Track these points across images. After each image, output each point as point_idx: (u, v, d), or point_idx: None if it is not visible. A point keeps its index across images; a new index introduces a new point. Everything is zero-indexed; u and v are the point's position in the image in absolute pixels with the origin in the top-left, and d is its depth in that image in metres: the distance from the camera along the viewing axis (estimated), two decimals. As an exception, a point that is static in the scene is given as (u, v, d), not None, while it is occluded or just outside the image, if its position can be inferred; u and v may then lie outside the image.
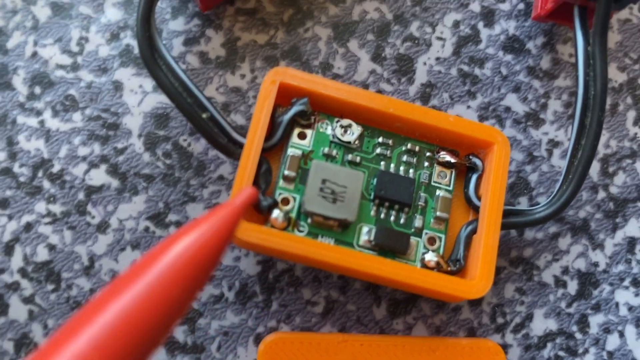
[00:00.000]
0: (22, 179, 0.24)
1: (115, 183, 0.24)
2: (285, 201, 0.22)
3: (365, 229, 0.23)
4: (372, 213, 0.23)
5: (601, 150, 0.26)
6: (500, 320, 0.25)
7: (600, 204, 0.26)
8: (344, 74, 0.25)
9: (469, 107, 0.26)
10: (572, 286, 0.25)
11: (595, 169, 0.26)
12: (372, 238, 0.22)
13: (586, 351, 0.25)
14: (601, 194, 0.26)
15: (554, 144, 0.26)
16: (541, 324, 0.25)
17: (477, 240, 0.23)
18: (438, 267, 0.22)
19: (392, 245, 0.22)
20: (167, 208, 0.24)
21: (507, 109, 0.26)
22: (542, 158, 0.26)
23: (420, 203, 0.23)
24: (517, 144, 0.26)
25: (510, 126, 0.26)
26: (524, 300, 0.25)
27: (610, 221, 0.26)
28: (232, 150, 0.22)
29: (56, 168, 0.24)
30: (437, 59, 0.26)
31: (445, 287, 0.22)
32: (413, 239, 0.23)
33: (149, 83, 0.25)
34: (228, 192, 0.24)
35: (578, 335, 0.25)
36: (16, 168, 0.24)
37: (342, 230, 0.22)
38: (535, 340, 0.25)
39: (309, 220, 0.22)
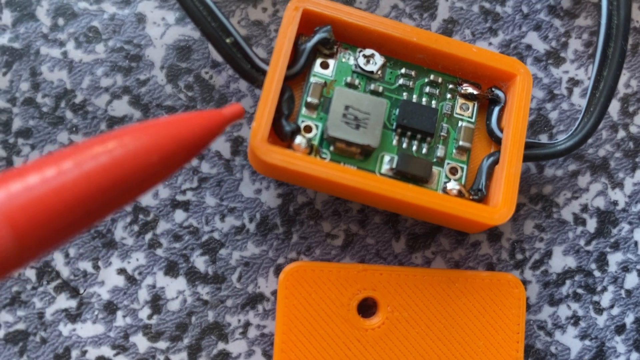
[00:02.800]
0: (44, 109, 0.24)
1: (137, 114, 0.24)
2: (308, 129, 0.22)
3: (387, 158, 0.23)
4: (394, 143, 0.23)
5: (621, 90, 0.26)
6: (519, 256, 0.25)
7: (619, 143, 0.26)
8: (366, 9, 0.25)
9: (490, 44, 0.26)
10: (591, 224, 0.25)
11: (615, 108, 0.26)
12: (394, 166, 0.22)
13: (604, 289, 0.25)
14: (621, 133, 0.26)
15: (574, 82, 0.26)
16: (560, 261, 0.25)
17: (499, 171, 0.23)
18: (460, 196, 0.22)
19: (414, 171, 0.22)
20: (188, 140, 0.24)
21: (528, 47, 0.26)
22: (562, 96, 0.26)
23: (442, 134, 0.23)
24: (537, 82, 0.26)
25: (530, 64, 0.26)
26: (543, 237, 0.25)
27: (630, 160, 0.26)
28: (255, 76, 0.22)
29: (79, 99, 0.24)
30: (458, -2, 0.26)
31: (468, 213, 0.22)
32: (435, 169, 0.23)
33: (171, 15, 0.25)
34: (249, 125, 0.25)
35: (597, 273, 0.25)
36: (39, 98, 0.24)
37: (364, 159, 0.22)
38: (554, 277, 0.25)
39: (331, 148, 0.22)
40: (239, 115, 0.18)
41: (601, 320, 0.25)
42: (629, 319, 0.25)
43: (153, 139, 0.16)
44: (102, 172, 0.15)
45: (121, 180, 0.16)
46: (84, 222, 0.15)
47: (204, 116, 0.17)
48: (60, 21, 0.24)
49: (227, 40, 0.22)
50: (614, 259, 0.25)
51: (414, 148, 0.23)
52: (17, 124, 0.24)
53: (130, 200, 0.16)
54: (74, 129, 0.24)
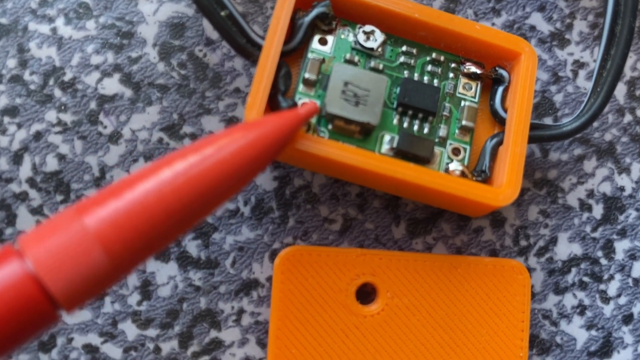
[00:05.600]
0: (32, 87, 0.23)
1: (128, 93, 0.23)
2: (305, 107, 0.22)
3: (387, 138, 0.22)
4: (395, 122, 0.22)
5: (628, 73, 0.25)
6: (523, 242, 0.24)
7: (626, 127, 0.25)
8: (365, -12, 0.25)
9: (493, 24, 0.25)
10: (598, 210, 0.24)
11: (621, 91, 0.25)
12: (395, 145, 0.21)
13: (611, 277, 0.24)
14: (627, 117, 0.25)
15: (579, 64, 0.25)
16: (565, 248, 0.24)
17: (504, 151, 0.22)
18: (463, 177, 0.22)
19: (415, 151, 0.21)
20: (181, 119, 0.23)
21: (532, 28, 0.25)
22: (567, 79, 0.25)
23: (444, 113, 0.22)
24: (542, 64, 0.25)
25: (535, 45, 0.25)
26: (548, 223, 0.24)
27: (637, 145, 0.25)
28: (250, 51, 0.21)
29: (68, 76, 0.23)
30: (460, -22, 0.25)
31: (471, 194, 0.21)
32: (437, 149, 0.22)
33: (164, -9, 0.24)
34: (244, 105, 0.24)
35: (603, 261, 0.24)
36: (27, 76, 0.23)
37: (364, 138, 0.22)
38: (560, 264, 0.24)
39: (330, 126, 0.21)
40: (314, 112, 0.19)
41: (608, 309, 0.24)
42: (637, 309, 0.24)
43: (232, 150, 0.16)
44: (185, 185, 0.16)
45: (204, 192, 0.16)
46: (172, 234, 0.16)
47: (282, 117, 0.17)
48: (50, -4, 0.24)
49: (222, 13, 0.21)
50: (621, 246, 0.24)
51: (415, 127, 0.22)
52: (3, 101, 0.23)
53: (214, 210, 0.17)
54: (62, 107, 0.23)
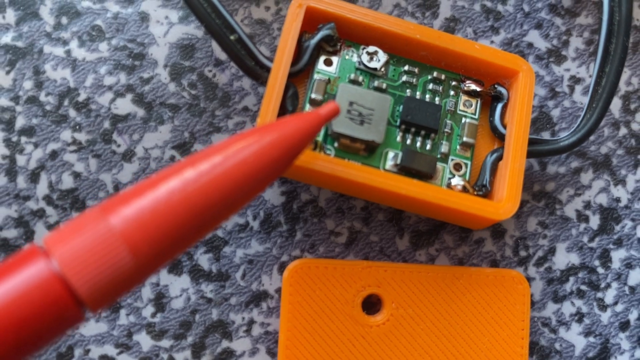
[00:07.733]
0: (48, 108, 0.24)
1: (140, 112, 0.24)
2: (312, 125, 0.22)
3: (391, 154, 0.23)
4: (398, 139, 0.23)
5: (623, 88, 0.26)
6: (522, 253, 0.25)
7: (621, 141, 0.26)
8: (368, 7, 0.26)
9: (492, 42, 0.26)
10: (594, 221, 0.25)
11: (616, 105, 0.26)
12: (398, 161, 0.22)
13: (608, 286, 0.25)
14: (622, 131, 0.26)
15: (575, 80, 0.26)
16: (564, 258, 0.25)
17: (503, 166, 0.23)
18: (464, 192, 0.22)
19: (418, 167, 0.22)
20: (192, 138, 0.24)
21: (530, 45, 0.26)
22: (564, 94, 0.26)
23: (446, 130, 0.23)
24: (539, 80, 0.26)
25: (532, 62, 0.26)
26: (547, 234, 0.25)
27: (632, 157, 0.26)
28: (259, 73, 0.22)
29: (82, 97, 0.24)
30: (460, -3, 0.26)
31: (473, 208, 0.22)
32: (439, 165, 0.23)
33: (175, 14, 0.25)
34: (253, 123, 0.25)
35: (600, 270, 0.25)
36: (42, 97, 0.24)
37: (368, 155, 0.23)
38: (558, 274, 0.25)
39: (336, 144, 0.22)
40: (335, 113, 0.18)
41: (605, 317, 0.25)
42: (633, 316, 0.25)
43: (256, 149, 0.16)
44: (209, 184, 0.16)
45: (228, 192, 0.16)
46: (196, 234, 0.16)
47: (303, 117, 0.17)
48: (64, 20, 0.24)
49: (231, 37, 0.22)
50: (618, 255, 0.25)
51: (418, 144, 0.23)
52: (20, 122, 0.24)
53: (237, 210, 0.17)
54: (77, 127, 0.24)
